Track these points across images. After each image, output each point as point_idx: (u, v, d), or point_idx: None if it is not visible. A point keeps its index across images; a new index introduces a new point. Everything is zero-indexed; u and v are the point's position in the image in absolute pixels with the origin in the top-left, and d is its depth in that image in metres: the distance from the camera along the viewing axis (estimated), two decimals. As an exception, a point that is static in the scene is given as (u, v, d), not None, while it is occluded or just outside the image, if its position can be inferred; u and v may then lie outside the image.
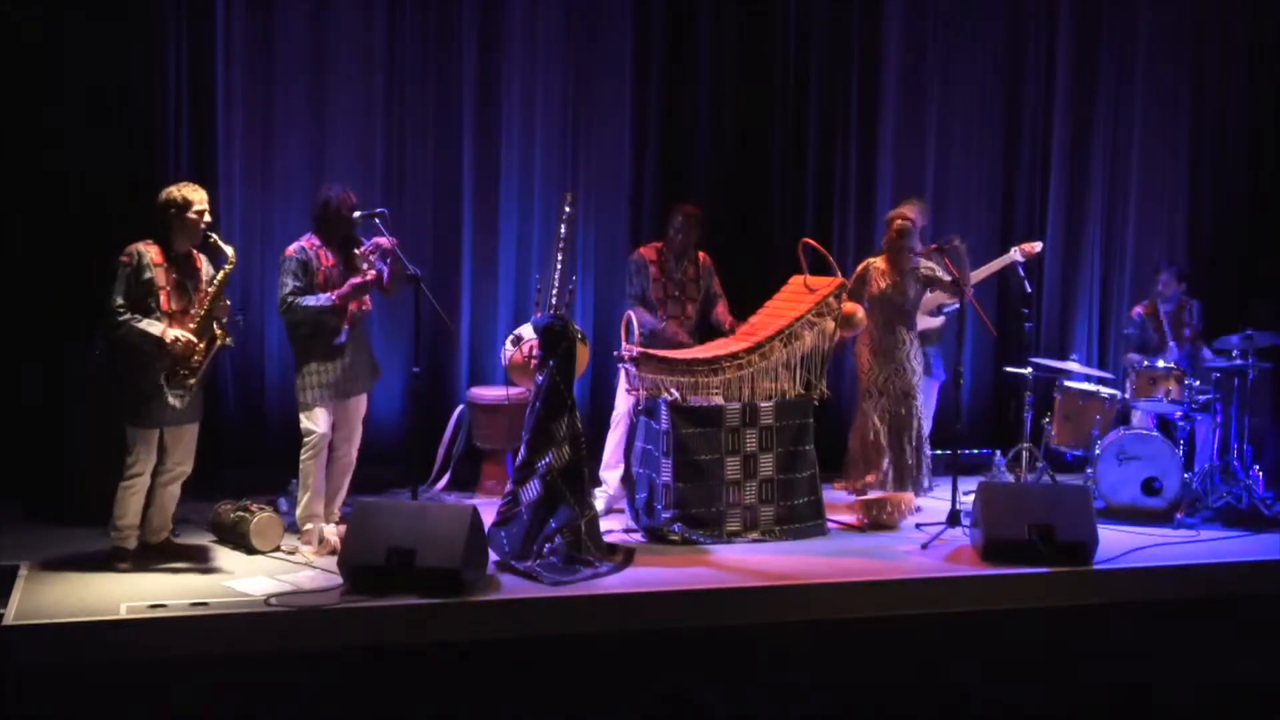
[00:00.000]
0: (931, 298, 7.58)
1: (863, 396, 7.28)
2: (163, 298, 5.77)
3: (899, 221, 7.22)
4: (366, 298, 6.31)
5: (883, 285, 7.16)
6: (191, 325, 5.81)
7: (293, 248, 6.25)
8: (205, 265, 5.97)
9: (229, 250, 5.91)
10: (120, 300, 5.71)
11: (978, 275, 7.83)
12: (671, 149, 8.35)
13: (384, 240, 6.23)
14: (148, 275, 5.74)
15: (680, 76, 8.33)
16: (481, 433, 7.59)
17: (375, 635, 5.34)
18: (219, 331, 5.87)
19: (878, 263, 7.27)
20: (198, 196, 5.83)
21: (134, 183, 6.85)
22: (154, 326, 5.71)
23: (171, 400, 5.78)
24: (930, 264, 7.29)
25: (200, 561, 6.06)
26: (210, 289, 5.89)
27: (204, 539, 6.44)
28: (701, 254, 7.44)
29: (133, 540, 5.92)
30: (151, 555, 5.98)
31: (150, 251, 5.77)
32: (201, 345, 5.81)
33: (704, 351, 6.87)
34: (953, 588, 6.03)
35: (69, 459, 6.70)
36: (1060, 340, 8.96)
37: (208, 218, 5.86)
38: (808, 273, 7.06)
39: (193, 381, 5.81)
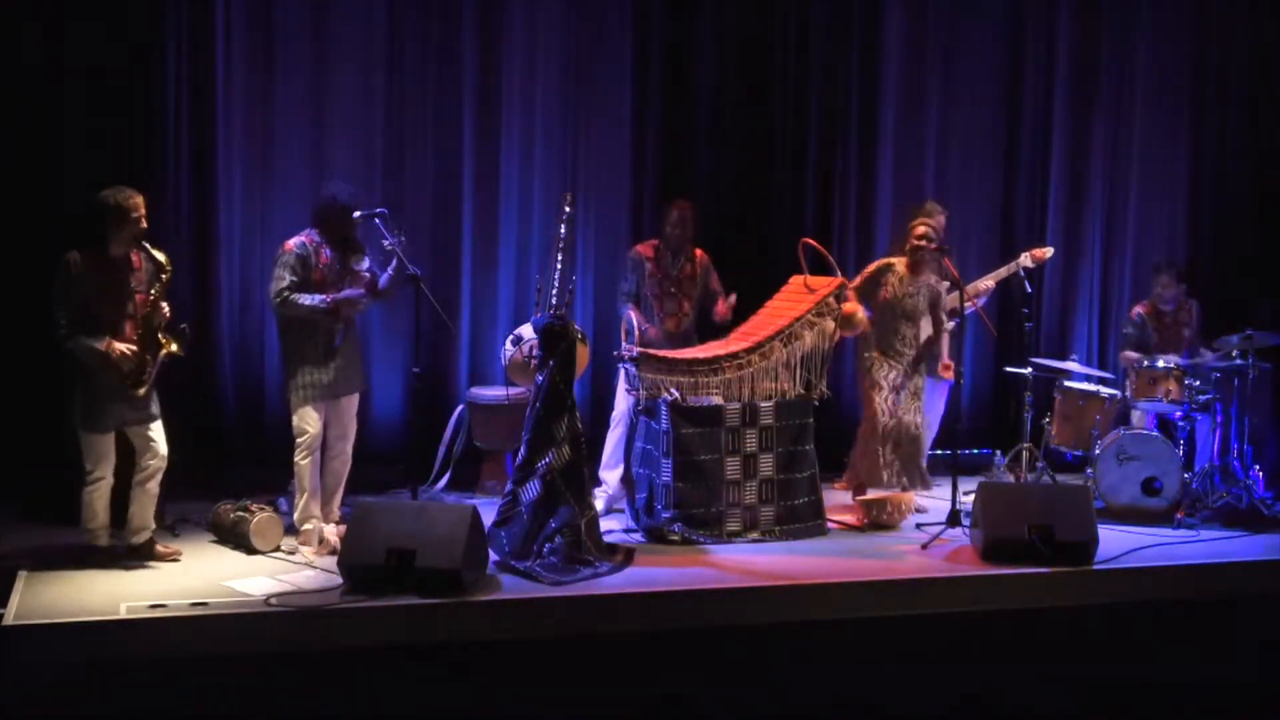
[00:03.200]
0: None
1: (867, 401, 7.24)
2: (101, 305, 5.72)
3: (922, 228, 7.15)
4: (362, 302, 6.31)
5: (899, 293, 7.10)
6: (134, 335, 5.79)
7: (292, 242, 6.24)
8: (145, 265, 5.90)
9: (162, 258, 5.86)
10: (62, 312, 5.67)
11: (986, 281, 7.85)
12: (671, 149, 8.35)
13: (386, 242, 6.25)
14: (86, 283, 5.69)
15: (680, 76, 8.33)
16: (481, 433, 7.59)
17: (375, 635, 5.34)
18: (164, 339, 5.85)
19: (898, 267, 7.18)
20: (136, 201, 5.76)
21: (134, 183, 6.80)
22: (97, 340, 5.68)
23: (122, 403, 5.77)
24: (940, 288, 7.26)
25: (199, 562, 6.05)
26: (150, 297, 5.85)
27: (204, 539, 6.45)
28: (698, 251, 7.44)
29: (104, 539, 5.91)
30: (134, 556, 5.93)
31: (85, 258, 5.70)
32: (148, 355, 5.79)
33: (704, 351, 6.87)
34: (953, 588, 6.03)
35: (68, 459, 6.68)
36: (1060, 340, 8.96)
37: (143, 224, 5.79)
38: (808, 273, 7.06)
39: (141, 391, 5.80)
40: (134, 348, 5.77)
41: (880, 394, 7.13)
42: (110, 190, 5.77)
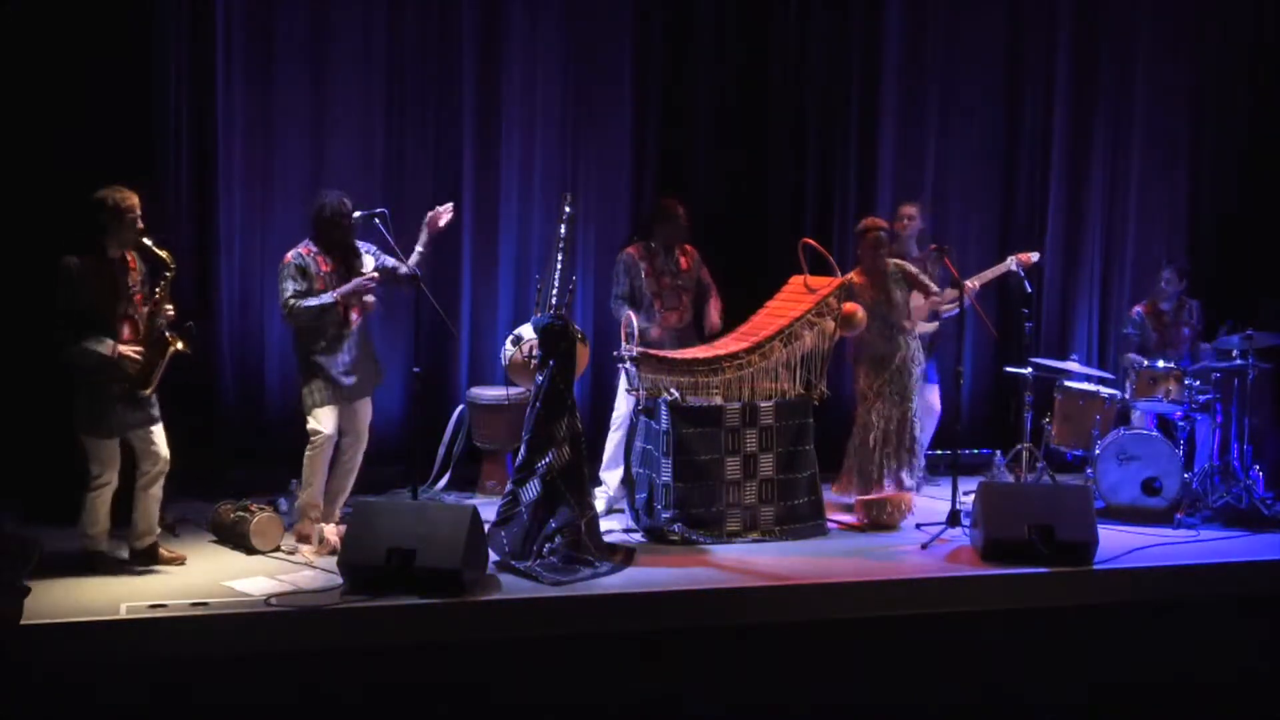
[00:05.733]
0: (928, 303, 7.54)
1: (860, 402, 7.25)
2: (100, 307, 5.67)
3: (872, 234, 7.21)
4: (371, 298, 6.31)
5: (867, 300, 7.12)
6: (134, 336, 5.76)
7: (290, 254, 6.26)
8: (140, 267, 5.86)
9: (165, 255, 5.82)
10: (62, 319, 5.63)
11: (970, 282, 7.84)
12: (671, 149, 8.35)
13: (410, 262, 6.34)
14: (85, 287, 5.64)
15: (680, 76, 8.33)
16: (481, 433, 7.59)
17: (375, 635, 5.34)
18: (170, 338, 5.83)
19: (855, 278, 7.19)
20: (133, 200, 5.70)
21: (134, 186, 6.82)
22: (102, 345, 5.64)
23: (126, 407, 5.75)
24: (901, 261, 7.28)
25: (200, 562, 6.06)
26: (155, 296, 5.82)
27: (204, 539, 6.45)
28: (688, 245, 7.45)
29: (103, 544, 5.89)
30: (138, 561, 5.93)
31: (83, 262, 5.65)
32: (153, 355, 5.77)
33: (704, 351, 6.87)
34: (953, 588, 6.03)
35: (69, 460, 6.68)
36: (1060, 340, 8.95)
37: (140, 223, 5.74)
38: (808, 273, 7.06)
39: (148, 392, 5.79)
40: (140, 349, 5.75)
41: (870, 403, 7.14)
42: (107, 190, 5.71)
